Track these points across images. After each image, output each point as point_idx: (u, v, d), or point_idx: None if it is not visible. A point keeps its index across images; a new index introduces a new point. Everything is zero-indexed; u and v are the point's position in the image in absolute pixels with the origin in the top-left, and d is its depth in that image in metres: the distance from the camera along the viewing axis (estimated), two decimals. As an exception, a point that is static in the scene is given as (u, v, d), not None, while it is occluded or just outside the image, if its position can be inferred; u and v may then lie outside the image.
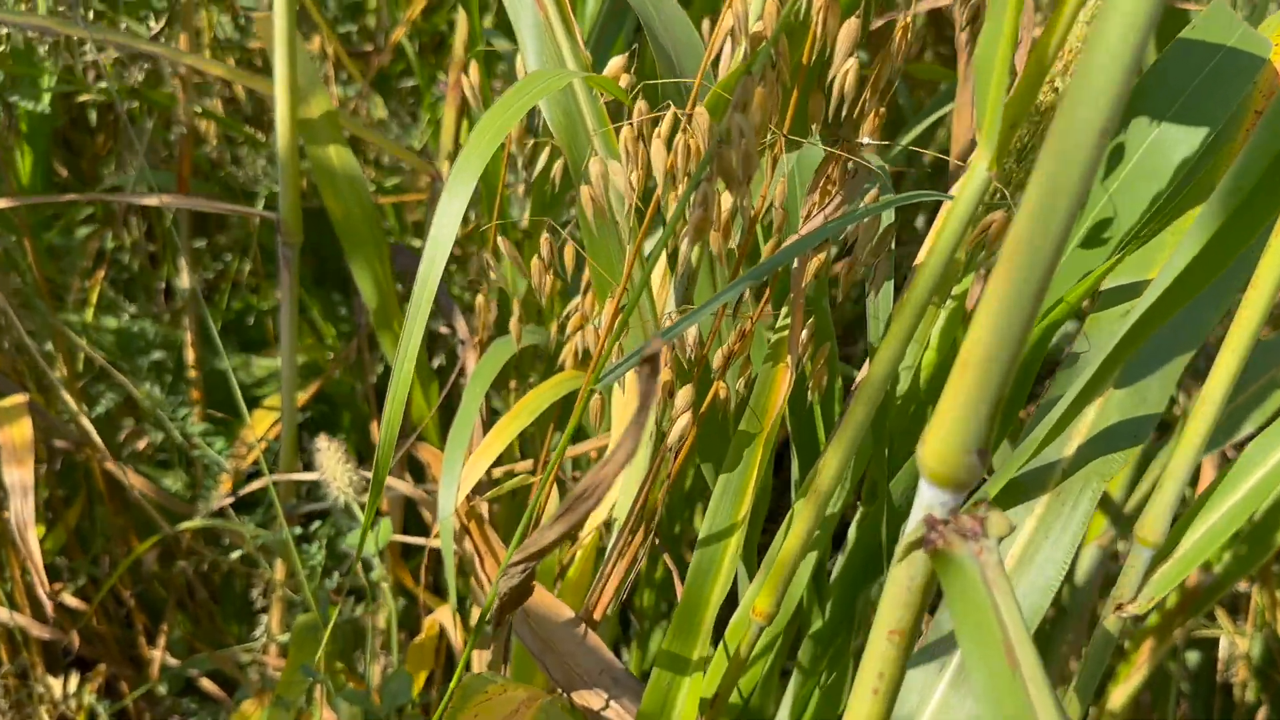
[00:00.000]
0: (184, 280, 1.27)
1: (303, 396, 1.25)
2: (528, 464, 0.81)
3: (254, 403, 1.39)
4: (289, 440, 0.94)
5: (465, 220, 1.13)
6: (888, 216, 0.55)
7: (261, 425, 1.13)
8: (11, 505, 0.93)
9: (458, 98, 0.94)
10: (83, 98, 1.37)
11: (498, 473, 0.98)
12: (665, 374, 0.56)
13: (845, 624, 0.72)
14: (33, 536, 0.91)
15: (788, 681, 0.79)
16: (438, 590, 1.14)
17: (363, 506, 0.82)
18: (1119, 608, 0.51)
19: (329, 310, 1.48)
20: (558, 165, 0.71)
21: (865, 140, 0.50)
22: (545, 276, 0.55)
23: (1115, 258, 0.57)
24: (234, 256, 1.50)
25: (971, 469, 0.36)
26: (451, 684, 0.51)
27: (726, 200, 0.50)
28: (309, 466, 1.10)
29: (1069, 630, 1.05)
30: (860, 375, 0.66)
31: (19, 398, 1.01)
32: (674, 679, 0.57)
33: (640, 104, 0.50)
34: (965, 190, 0.42)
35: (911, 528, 0.38)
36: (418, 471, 1.15)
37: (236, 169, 1.37)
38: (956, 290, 0.65)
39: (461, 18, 0.90)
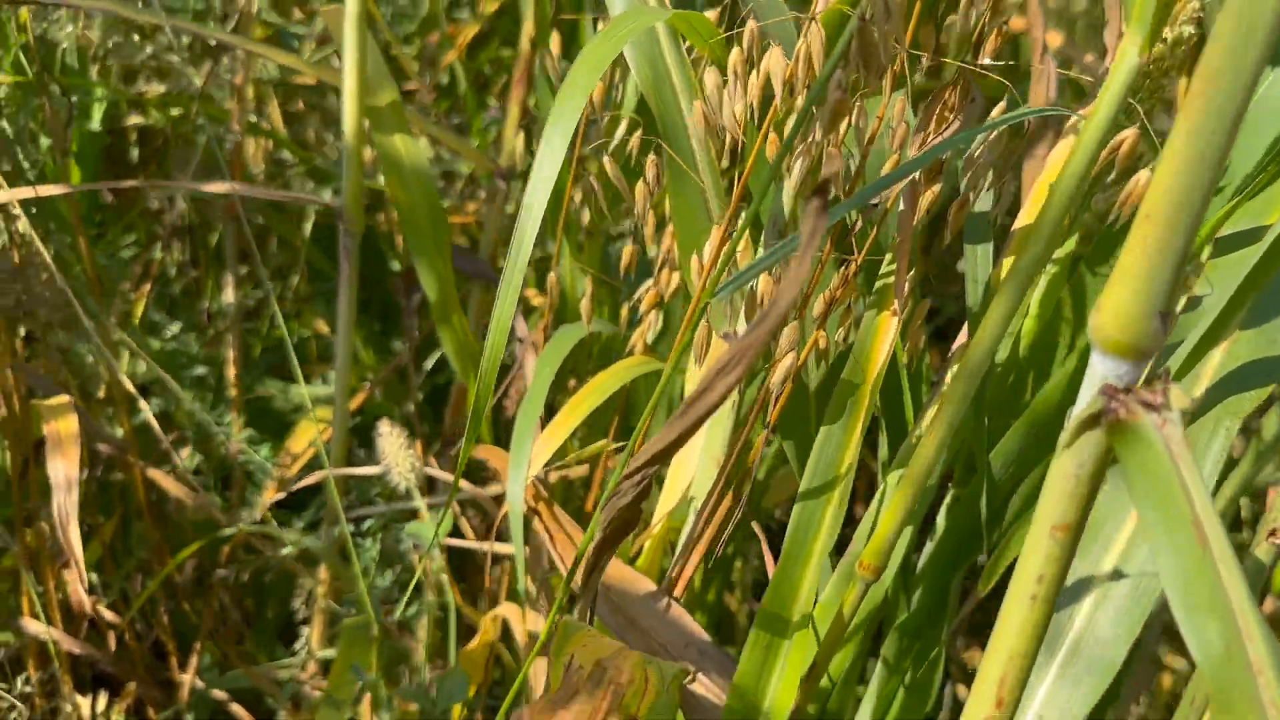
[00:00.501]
0: (228, 295, 1.26)
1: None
2: (598, 446, 0.78)
3: (292, 427, 1.37)
4: (340, 437, 0.92)
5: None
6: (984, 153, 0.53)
7: (307, 435, 1.11)
8: (54, 499, 0.90)
9: (521, 94, 0.93)
10: (132, 120, 1.38)
11: (554, 477, 0.95)
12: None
13: (935, 614, 0.68)
14: (74, 532, 0.88)
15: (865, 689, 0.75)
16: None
17: (423, 494, 0.79)
18: (1273, 533, 0.48)
19: (370, 338, 1.46)
20: (635, 139, 0.70)
21: (986, 61, 0.48)
22: (648, 203, 0.53)
23: (1232, 204, 0.55)
24: (276, 283, 1.49)
25: (1154, 334, 0.33)
26: (544, 628, 0.48)
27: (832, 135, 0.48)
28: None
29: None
30: (957, 343, 0.64)
31: (63, 398, 0.99)
32: (772, 643, 0.53)
33: (751, 24, 0.49)
34: (1115, 77, 0.40)
35: (1081, 407, 0.35)
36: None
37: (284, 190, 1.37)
38: (1058, 254, 0.63)
39: (529, 12, 0.90)
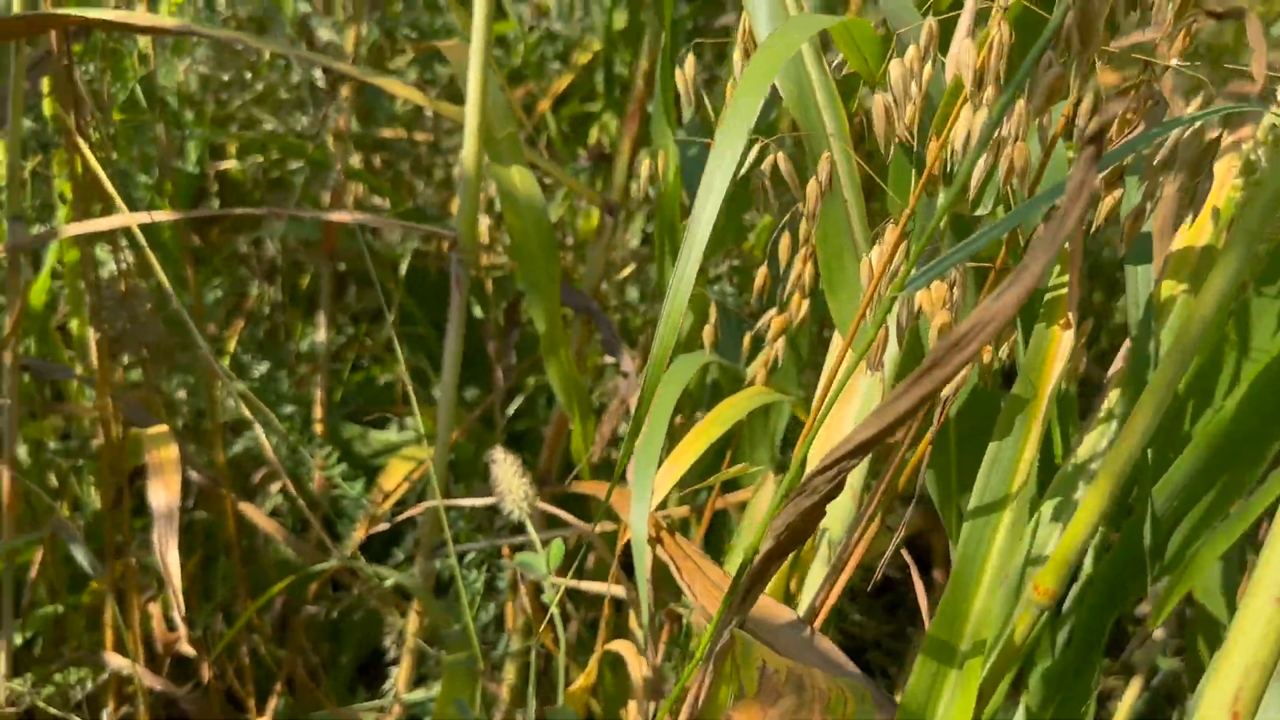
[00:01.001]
0: (320, 336, 1.26)
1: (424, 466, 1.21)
2: (737, 469, 0.76)
3: (374, 472, 1.37)
4: (441, 469, 0.90)
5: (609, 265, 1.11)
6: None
7: (399, 472, 1.09)
8: (155, 528, 0.89)
9: (634, 129, 0.93)
10: (225, 165, 1.40)
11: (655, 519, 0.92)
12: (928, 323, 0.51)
13: (1084, 662, 0.65)
14: (173, 559, 0.87)
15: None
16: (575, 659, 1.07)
17: (519, 531, 0.77)
18: None
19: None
20: (768, 162, 0.69)
21: (1174, 63, 0.47)
22: (818, 204, 0.51)
23: None
24: (356, 327, 1.49)
25: None
26: (702, 643, 0.45)
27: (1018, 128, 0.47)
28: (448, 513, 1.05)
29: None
30: (1114, 368, 0.61)
31: (162, 427, 0.99)
32: (939, 670, 0.50)
33: (930, 20, 0.48)
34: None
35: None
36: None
37: (374, 238, 1.38)
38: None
39: (644, 49, 0.91)
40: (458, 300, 0.88)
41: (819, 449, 0.70)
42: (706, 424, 0.73)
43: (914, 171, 0.53)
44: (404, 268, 1.26)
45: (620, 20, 1.31)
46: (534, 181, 0.87)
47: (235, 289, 1.40)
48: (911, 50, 0.48)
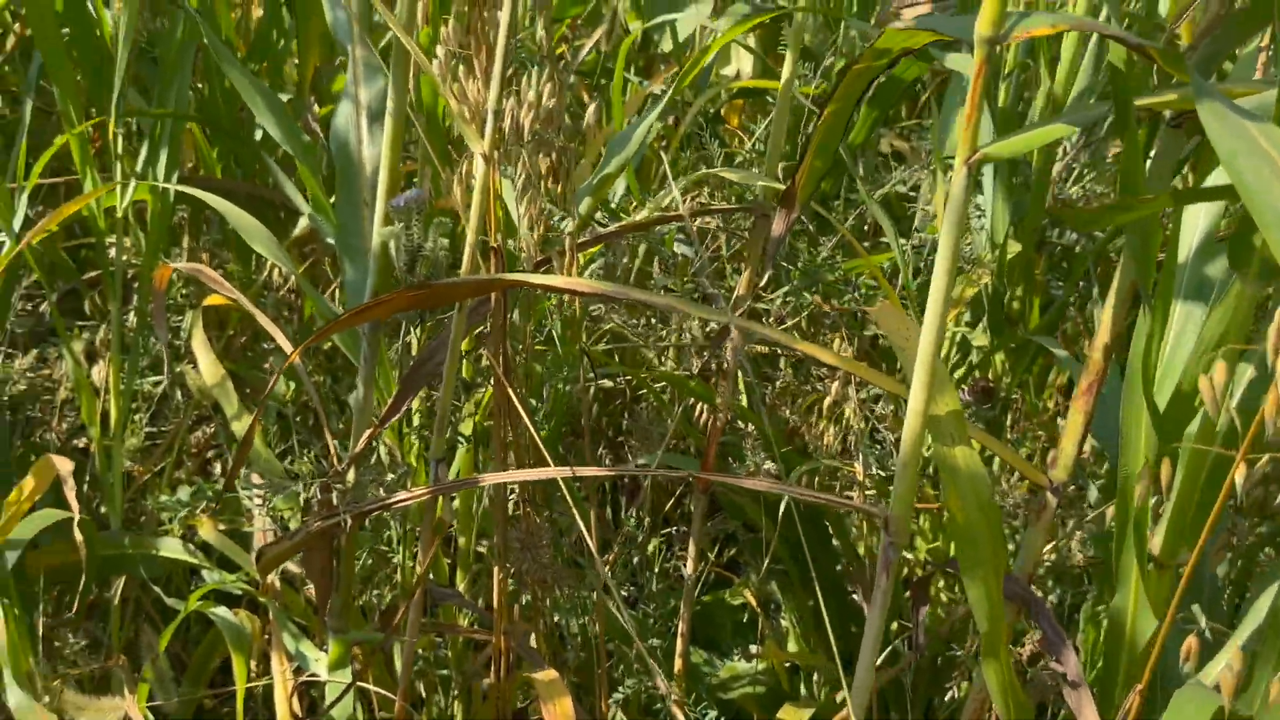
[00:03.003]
0: (689, 567, 1.20)
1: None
2: None
3: (723, 705, 1.28)
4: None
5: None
6: None
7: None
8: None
9: (1088, 404, 0.82)
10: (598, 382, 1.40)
11: None
12: None
13: None
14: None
15: None
16: None
17: None
18: None
19: (805, 617, 1.35)
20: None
21: None
22: None
23: None
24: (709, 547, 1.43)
25: None
26: None
27: None
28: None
29: None
30: None
31: (552, 673, 0.94)
32: None
33: None
34: None
35: None
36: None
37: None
38: None
39: (1105, 317, 0.80)
40: (884, 584, 0.78)
41: None
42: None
43: None
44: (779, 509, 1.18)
45: (1013, 249, 1.22)
46: (980, 462, 0.77)
47: (601, 511, 1.37)
48: None
